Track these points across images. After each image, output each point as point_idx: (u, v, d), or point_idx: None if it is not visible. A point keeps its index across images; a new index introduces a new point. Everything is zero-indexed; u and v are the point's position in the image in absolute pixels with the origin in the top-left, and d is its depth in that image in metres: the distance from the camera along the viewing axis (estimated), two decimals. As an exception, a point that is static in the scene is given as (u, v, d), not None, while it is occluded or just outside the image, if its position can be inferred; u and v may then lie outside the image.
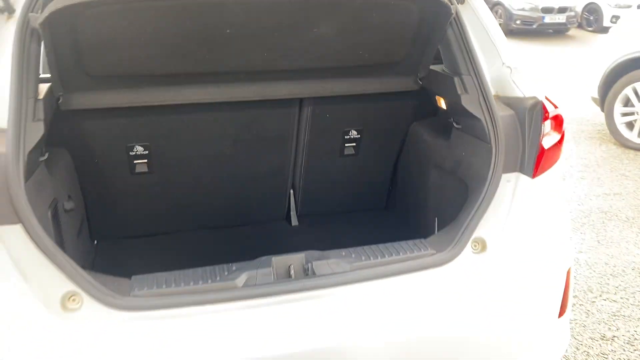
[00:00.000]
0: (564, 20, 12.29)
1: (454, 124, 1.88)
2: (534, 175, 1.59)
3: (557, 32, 12.83)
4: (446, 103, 1.87)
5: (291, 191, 2.40)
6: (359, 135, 2.26)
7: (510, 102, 1.65)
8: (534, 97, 1.62)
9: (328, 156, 2.30)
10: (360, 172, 2.41)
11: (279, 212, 2.45)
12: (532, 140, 1.59)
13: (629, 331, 2.55)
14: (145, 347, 1.29)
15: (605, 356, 2.39)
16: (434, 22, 1.72)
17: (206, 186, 2.23)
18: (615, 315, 2.66)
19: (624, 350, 2.42)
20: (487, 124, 1.60)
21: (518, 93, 1.65)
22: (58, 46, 1.50)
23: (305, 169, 2.31)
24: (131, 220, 2.24)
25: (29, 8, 1.41)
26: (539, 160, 1.59)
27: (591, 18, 13.24)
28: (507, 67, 1.68)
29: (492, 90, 1.66)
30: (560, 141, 1.67)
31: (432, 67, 1.96)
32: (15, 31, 1.40)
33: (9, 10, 1.45)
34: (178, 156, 2.09)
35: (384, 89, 2.04)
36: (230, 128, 2.09)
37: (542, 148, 1.58)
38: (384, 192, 2.55)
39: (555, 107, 1.66)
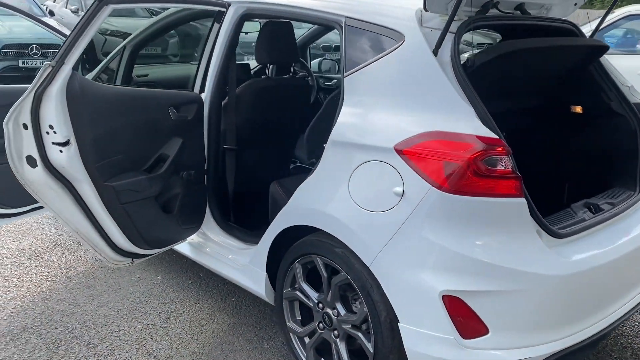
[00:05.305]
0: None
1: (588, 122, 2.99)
2: (661, 142, 2.84)
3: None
4: (583, 109, 3.03)
5: None
6: None
7: (635, 105, 2.88)
8: (651, 100, 2.89)
9: None
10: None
11: None
12: None
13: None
14: (571, 252, 2.14)
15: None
16: (588, 59, 2.86)
17: None
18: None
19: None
20: (629, 117, 2.79)
21: (637, 100, 2.90)
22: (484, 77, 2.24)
23: None
24: None
25: (457, 54, 2.14)
26: (661, 133, 2.84)
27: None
28: (626, 87, 2.92)
29: None
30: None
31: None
32: (449, 68, 2.08)
33: (436, 52, 2.13)
34: None
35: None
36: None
37: (662, 125, 2.85)
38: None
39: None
